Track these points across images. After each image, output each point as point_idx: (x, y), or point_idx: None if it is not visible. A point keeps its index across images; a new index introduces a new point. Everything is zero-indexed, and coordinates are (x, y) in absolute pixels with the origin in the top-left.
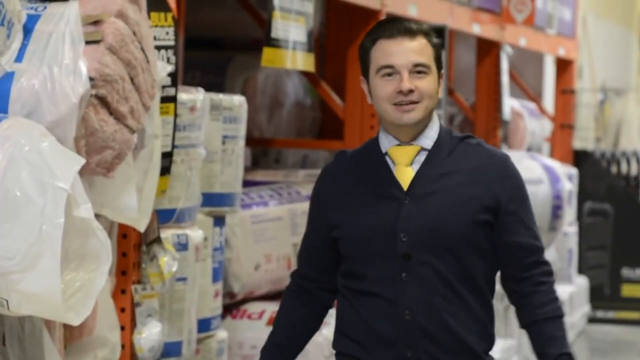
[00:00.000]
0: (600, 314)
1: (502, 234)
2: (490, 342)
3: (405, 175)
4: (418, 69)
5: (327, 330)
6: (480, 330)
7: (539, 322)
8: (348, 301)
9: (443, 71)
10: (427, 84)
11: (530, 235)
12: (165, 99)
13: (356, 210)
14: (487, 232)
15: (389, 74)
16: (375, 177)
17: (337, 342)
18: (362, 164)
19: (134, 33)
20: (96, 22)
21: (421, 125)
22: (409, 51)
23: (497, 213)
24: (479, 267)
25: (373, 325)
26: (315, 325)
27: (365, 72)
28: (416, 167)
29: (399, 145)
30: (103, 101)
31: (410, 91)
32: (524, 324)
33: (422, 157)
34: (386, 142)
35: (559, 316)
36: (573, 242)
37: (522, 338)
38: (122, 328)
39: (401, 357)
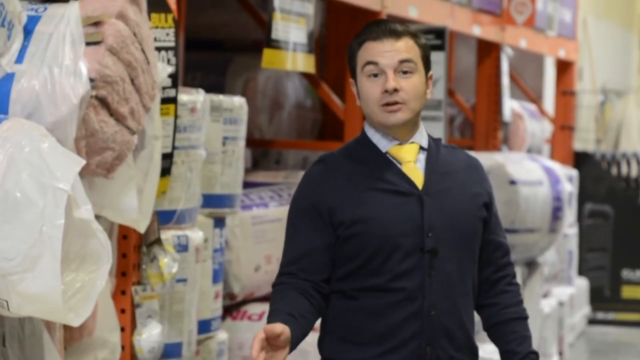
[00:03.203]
0: (600, 315)
1: (487, 233)
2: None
3: (415, 172)
4: (404, 68)
5: None
6: (473, 329)
7: (511, 320)
8: (350, 302)
9: (432, 72)
10: (413, 84)
11: (504, 236)
12: (165, 100)
13: (374, 206)
14: (483, 230)
15: (375, 75)
16: (384, 174)
17: (333, 349)
18: (363, 162)
19: (135, 34)
20: (96, 23)
21: (413, 126)
22: (394, 51)
23: (487, 211)
24: (476, 265)
25: (390, 322)
26: (314, 321)
27: (354, 75)
28: (419, 165)
29: (399, 144)
30: (103, 102)
31: (395, 90)
32: (492, 322)
33: (422, 155)
34: (384, 142)
35: (526, 318)
36: (573, 244)
37: None
38: (122, 329)
39: (420, 354)
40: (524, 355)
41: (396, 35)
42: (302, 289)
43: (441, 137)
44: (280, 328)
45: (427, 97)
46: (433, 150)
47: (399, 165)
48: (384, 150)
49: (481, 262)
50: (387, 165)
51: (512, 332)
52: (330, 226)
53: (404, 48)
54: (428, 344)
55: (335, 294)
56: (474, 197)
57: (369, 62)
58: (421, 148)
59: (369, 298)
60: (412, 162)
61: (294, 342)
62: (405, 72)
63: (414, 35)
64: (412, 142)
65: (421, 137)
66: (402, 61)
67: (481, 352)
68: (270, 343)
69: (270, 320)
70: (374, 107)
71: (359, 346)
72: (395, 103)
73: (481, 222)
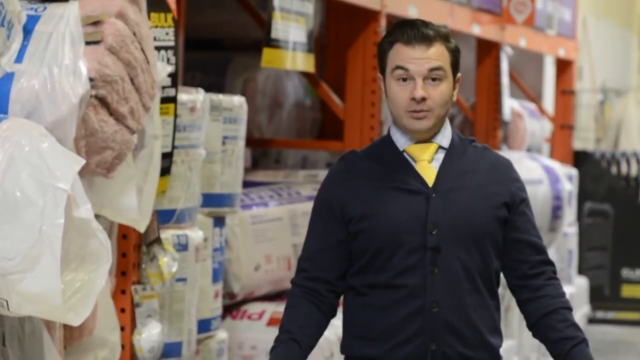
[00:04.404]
0: (600, 314)
1: (514, 232)
2: (501, 339)
3: (428, 171)
4: (433, 76)
5: (327, 331)
6: (495, 327)
7: (560, 309)
8: (362, 298)
9: (460, 74)
10: (441, 92)
11: (538, 236)
12: (165, 100)
13: (382, 203)
14: (503, 229)
15: (404, 79)
16: (397, 172)
17: (349, 346)
18: (379, 161)
19: (134, 34)
20: (96, 23)
21: (436, 127)
22: (425, 58)
23: (510, 211)
24: (494, 263)
25: (395, 319)
26: (324, 327)
27: (383, 71)
28: (436, 164)
29: (417, 143)
30: (103, 102)
31: (423, 99)
32: (539, 314)
33: (440, 154)
34: (403, 141)
35: (572, 309)
36: (573, 243)
37: (522, 339)
38: (122, 328)
39: (424, 350)
40: (581, 339)
41: (428, 41)
42: (313, 293)
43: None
44: None
45: (454, 100)
46: (456, 149)
47: (414, 163)
48: (401, 149)
49: (513, 261)
50: (401, 163)
51: (563, 319)
52: (342, 223)
53: (435, 56)
54: (433, 341)
55: (350, 290)
56: (490, 196)
57: (399, 67)
58: (441, 147)
59: (377, 295)
60: (426, 160)
61: None
62: (434, 79)
63: (445, 40)
64: (431, 142)
65: (442, 137)
66: (432, 69)
67: None
68: None
69: (276, 346)
70: (400, 111)
71: (369, 342)
72: (422, 110)
73: (497, 221)
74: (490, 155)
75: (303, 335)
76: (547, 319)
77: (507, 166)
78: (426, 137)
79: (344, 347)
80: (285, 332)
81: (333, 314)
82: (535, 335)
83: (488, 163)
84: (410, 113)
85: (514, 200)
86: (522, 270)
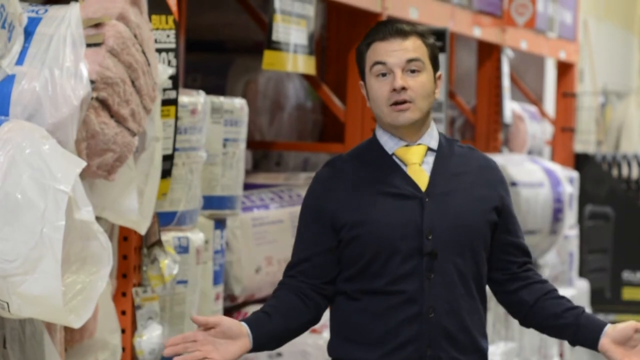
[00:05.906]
0: (601, 317)
1: (505, 235)
2: (487, 343)
3: (419, 174)
4: (411, 67)
5: (327, 334)
6: (484, 331)
7: (555, 291)
8: (355, 303)
9: (441, 72)
10: (421, 83)
11: (523, 238)
12: (166, 102)
13: (375, 208)
14: (492, 233)
15: (383, 74)
16: (389, 177)
17: (339, 348)
18: (369, 165)
19: (135, 36)
20: (97, 25)
21: (422, 126)
22: (401, 50)
23: (500, 215)
24: (484, 267)
25: (391, 324)
26: (305, 317)
27: (363, 76)
28: (426, 167)
29: (406, 146)
30: (104, 104)
31: (403, 89)
32: (538, 295)
33: (430, 157)
34: (391, 144)
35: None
36: (574, 245)
37: (522, 341)
38: (123, 331)
39: (420, 356)
40: (582, 309)
41: (403, 34)
42: (298, 288)
43: (457, 138)
44: (213, 321)
45: (436, 97)
46: (444, 151)
47: (404, 167)
48: (390, 152)
49: (502, 262)
50: (392, 167)
51: (560, 297)
52: (332, 229)
53: (412, 47)
54: (428, 346)
55: (340, 295)
56: (481, 199)
57: (377, 62)
58: (430, 149)
59: (371, 300)
60: (417, 164)
61: (259, 338)
62: (413, 71)
63: (421, 35)
64: (420, 144)
65: (430, 139)
66: (409, 60)
67: None
68: (215, 334)
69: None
70: (382, 107)
71: (362, 346)
72: (404, 102)
73: (489, 224)
74: (477, 156)
75: (274, 311)
76: (544, 299)
77: (494, 168)
78: (414, 139)
79: (332, 349)
80: (262, 308)
81: (318, 312)
82: (529, 320)
83: (476, 165)
84: (392, 107)
85: (504, 203)
86: (511, 269)
